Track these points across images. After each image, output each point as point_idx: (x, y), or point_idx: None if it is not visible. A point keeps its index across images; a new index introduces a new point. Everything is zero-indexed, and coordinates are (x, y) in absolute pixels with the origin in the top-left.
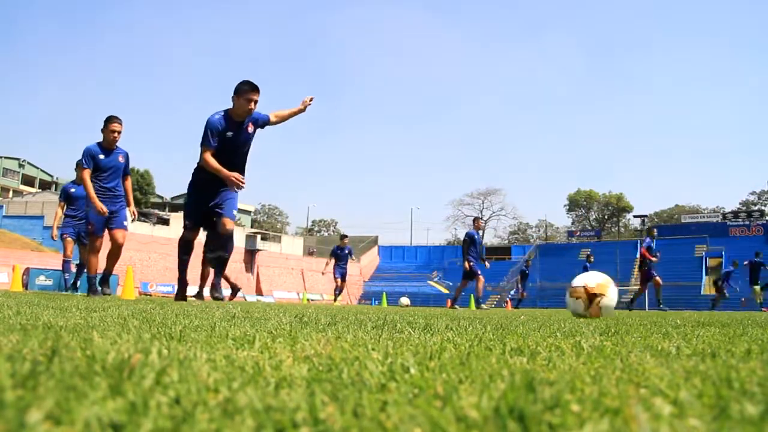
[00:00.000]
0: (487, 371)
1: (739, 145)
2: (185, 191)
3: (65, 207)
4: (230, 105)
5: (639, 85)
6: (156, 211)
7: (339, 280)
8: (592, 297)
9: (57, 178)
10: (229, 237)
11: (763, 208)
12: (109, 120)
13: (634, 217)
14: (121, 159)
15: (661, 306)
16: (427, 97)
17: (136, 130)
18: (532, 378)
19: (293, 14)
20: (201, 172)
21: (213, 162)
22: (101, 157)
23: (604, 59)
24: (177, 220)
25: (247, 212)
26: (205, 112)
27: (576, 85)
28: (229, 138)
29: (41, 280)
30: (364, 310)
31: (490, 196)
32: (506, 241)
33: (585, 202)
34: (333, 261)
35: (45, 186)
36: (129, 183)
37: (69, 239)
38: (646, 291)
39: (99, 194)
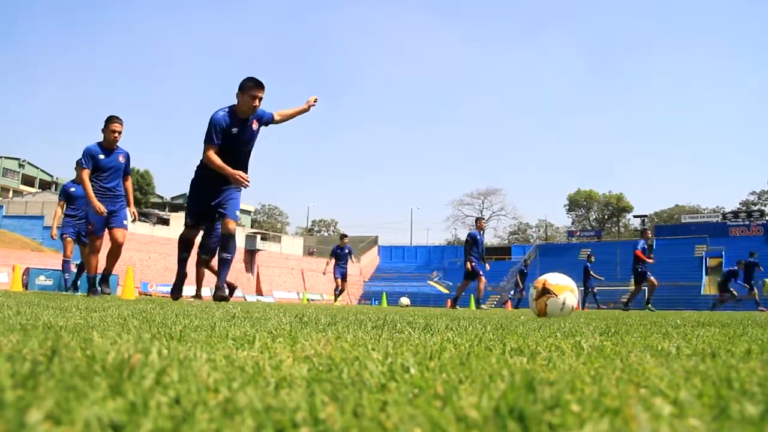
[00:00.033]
0: (487, 371)
1: (739, 145)
2: (185, 191)
3: (65, 206)
4: (234, 101)
5: (639, 85)
6: (156, 211)
7: (339, 280)
8: (544, 291)
9: (57, 178)
10: (231, 238)
11: (763, 208)
12: (110, 120)
13: (634, 217)
14: (121, 159)
15: (649, 307)
16: (427, 97)
17: (136, 130)
18: (532, 378)
19: (293, 14)
20: (204, 170)
21: (216, 159)
22: (101, 157)
23: (604, 59)
24: (177, 220)
25: (247, 212)
26: (205, 112)
27: (576, 85)
28: (234, 135)
29: (41, 280)
30: (364, 310)
31: (490, 196)
32: (506, 241)
33: (585, 202)
34: (333, 261)
35: (45, 186)
36: (130, 183)
37: (69, 239)
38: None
39: (99, 194)
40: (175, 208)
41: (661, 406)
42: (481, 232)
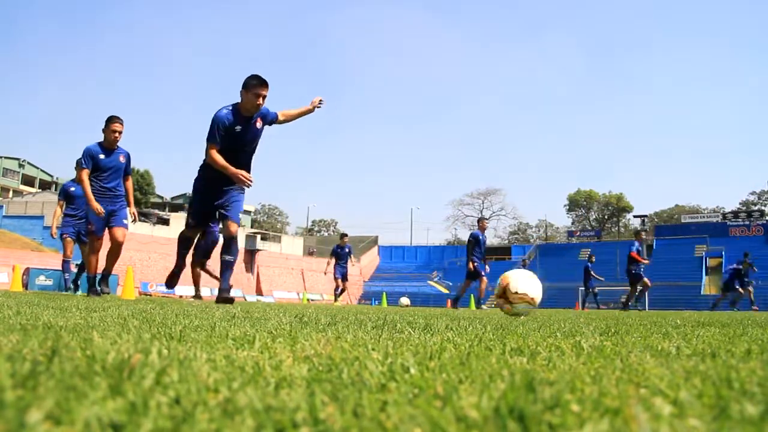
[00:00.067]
0: (487, 371)
1: (739, 145)
2: (185, 191)
3: (65, 206)
4: (238, 100)
5: (639, 85)
6: (156, 211)
7: (339, 280)
8: (503, 296)
9: (57, 178)
10: (233, 240)
11: (763, 208)
12: (111, 120)
13: (634, 217)
14: (122, 159)
15: (637, 305)
16: (427, 97)
17: (136, 130)
18: (532, 378)
19: (293, 14)
20: (207, 169)
21: (219, 158)
22: (101, 157)
23: (604, 59)
24: (177, 220)
25: (247, 212)
26: (205, 111)
27: (576, 85)
28: (237, 133)
29: (41, 280)
30: (364, 310)
31: (490, 196)
32: (506, 241)
33: (585, 202)
34: (333, 260)
35: (45, 186)
36: (130, 183)
37: (69, 239)
38: (645, 290)
39: (99, 194)
40: (175, 208)
41: (661, 406)
42: (484, 232)
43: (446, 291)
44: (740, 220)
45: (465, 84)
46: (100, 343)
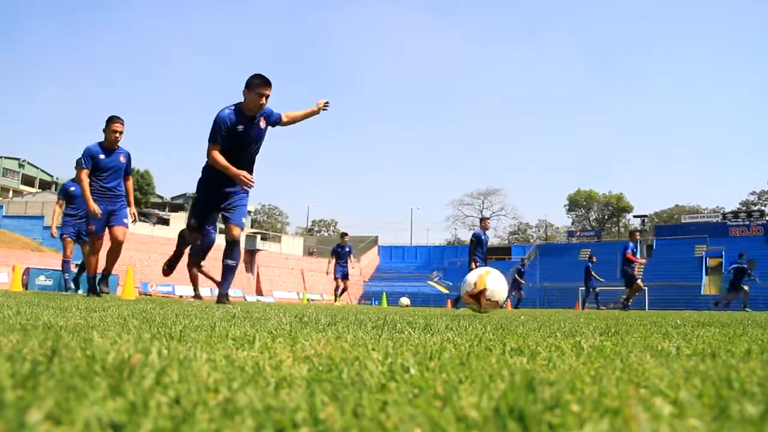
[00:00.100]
0: (487, 371)
1: (739, 145)
2: (185, 191)
3: (64, 205)
4: (239, 100)
5: (639, 85)
6: (156, 211)
7: (339, 279)
8: (476, 297)
9: (57, 178)
10: (235, 244)
11: (763, 208)
12: (111, 120)
13: (634, 217)
14: (122, 159)
15: (626, 305)
16: (427, 97)
17: (136, 130)
18: (532, 378)
19: (293, 14)
20: (210, 170)
21: (220, 159)
22: (102, 156)
23: (604, 59)
24: (177, 220)
25: (248, 212)
26: (205, 111)
27: (576, 85)
28: (239, 133)
29: (41, 280)
30: (364, 310)
31: (490, 196)
32: (506, 241)
33: (585, 202)
34: (334, 260)
35: (45, 186)
36: (131, 183)
37: (69, 239)
38: (646, 289)
39: (99, 194)
40: (175, 208)
41: (661, 406)
42: (486, 232)
43: (446, 291)
44: (740, 220)
45: (465, 84)
46: (100, 343)
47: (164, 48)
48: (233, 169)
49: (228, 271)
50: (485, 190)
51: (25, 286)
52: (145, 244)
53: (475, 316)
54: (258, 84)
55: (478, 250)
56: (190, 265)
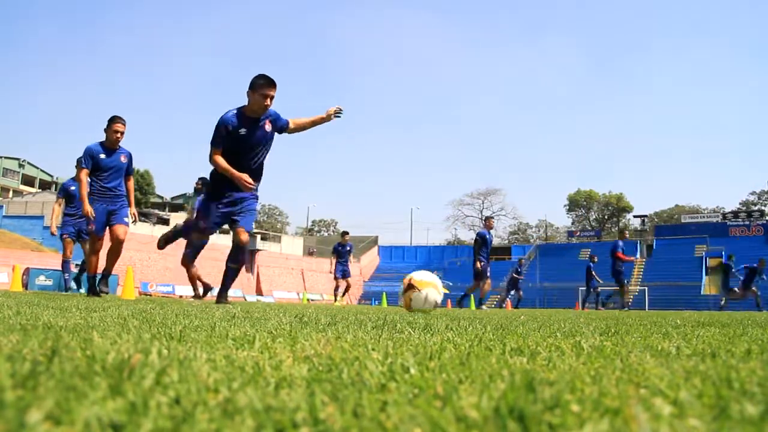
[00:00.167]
0: (487, 371)
1: (739, 145)
2: (185, 191)
3: (64, 205)
4: (241, 102)
5: (639, 85)
6: (156, 211)
7: (340, 278)
8: (409, 287)
9: (57, 178)
10: (242, 248)
11: (763, 208)
12: (113, 120)
13: (634, 217)
14: (123, 159)
15: (612, 305)
16: (427, 98)
17: (136, 130)
18: (532, 378)
19: (293, 14)
20: (219, 175)
21: (222, 162)
22: (102, 156)
23: (604, 59)
24: (177, 220)
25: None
26: (205, 111)
27: (576, 85)
28: (242, 136)
29: (41, 280)
30: (364, 310)
31: (490, 196)
32: (506, 241)
33: (585, 202)
34: (335, 259)
35: (45, 186)
36: (131, 183)
37: (69, 239)
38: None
39: (99, 194)
40: (175, 208)
41: (661, 406)
42: (491, 231)
43: (446, 291)
44: (740, 220)
45: (465, 84)
46: (100, 343)
47: (164, 48)
48: (234, 172)
49: (230, 274)
50: (485, 190)
51: (25, 286)
52: (145, 244)
53: (475, 317)
54: (262, 84)
55: (483, 250)
56: (184, 263)
